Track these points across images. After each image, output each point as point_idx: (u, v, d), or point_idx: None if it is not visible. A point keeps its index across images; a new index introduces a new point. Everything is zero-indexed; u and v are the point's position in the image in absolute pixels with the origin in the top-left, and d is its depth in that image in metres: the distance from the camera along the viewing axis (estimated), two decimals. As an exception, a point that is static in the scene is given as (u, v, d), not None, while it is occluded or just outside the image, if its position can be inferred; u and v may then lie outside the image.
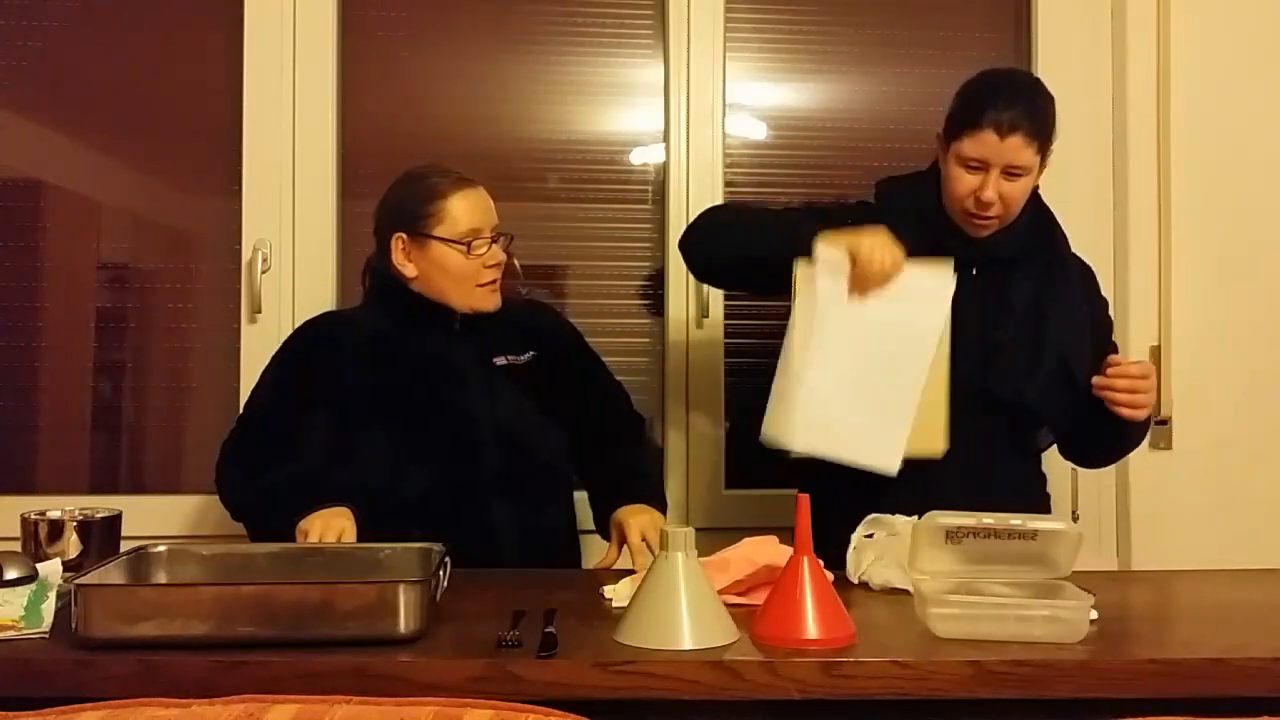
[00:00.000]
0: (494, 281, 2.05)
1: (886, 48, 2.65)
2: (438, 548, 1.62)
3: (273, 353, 2.10)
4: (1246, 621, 1.65)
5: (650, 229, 2.59)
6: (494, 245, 2.03)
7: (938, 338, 1.86)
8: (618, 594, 1.64)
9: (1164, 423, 2.50)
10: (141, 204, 2.57)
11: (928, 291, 1.87)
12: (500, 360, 2.07)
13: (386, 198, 2.09)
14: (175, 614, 1.40)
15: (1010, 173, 1.88)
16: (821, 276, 1.85)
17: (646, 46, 2.60)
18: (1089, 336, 1.99)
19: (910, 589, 1.62)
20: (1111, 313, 2.13)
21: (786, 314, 1.88)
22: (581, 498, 2.15)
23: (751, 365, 2.57)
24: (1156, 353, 2.52)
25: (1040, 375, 1.94)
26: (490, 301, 2.05)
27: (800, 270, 1.86)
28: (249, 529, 1.98)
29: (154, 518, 2.40)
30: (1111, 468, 2.38)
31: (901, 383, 1.86)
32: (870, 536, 1.78)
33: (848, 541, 1.77)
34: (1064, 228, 2.05)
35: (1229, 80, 2.54)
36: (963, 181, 1.89)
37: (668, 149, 2.56)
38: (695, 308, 2.52)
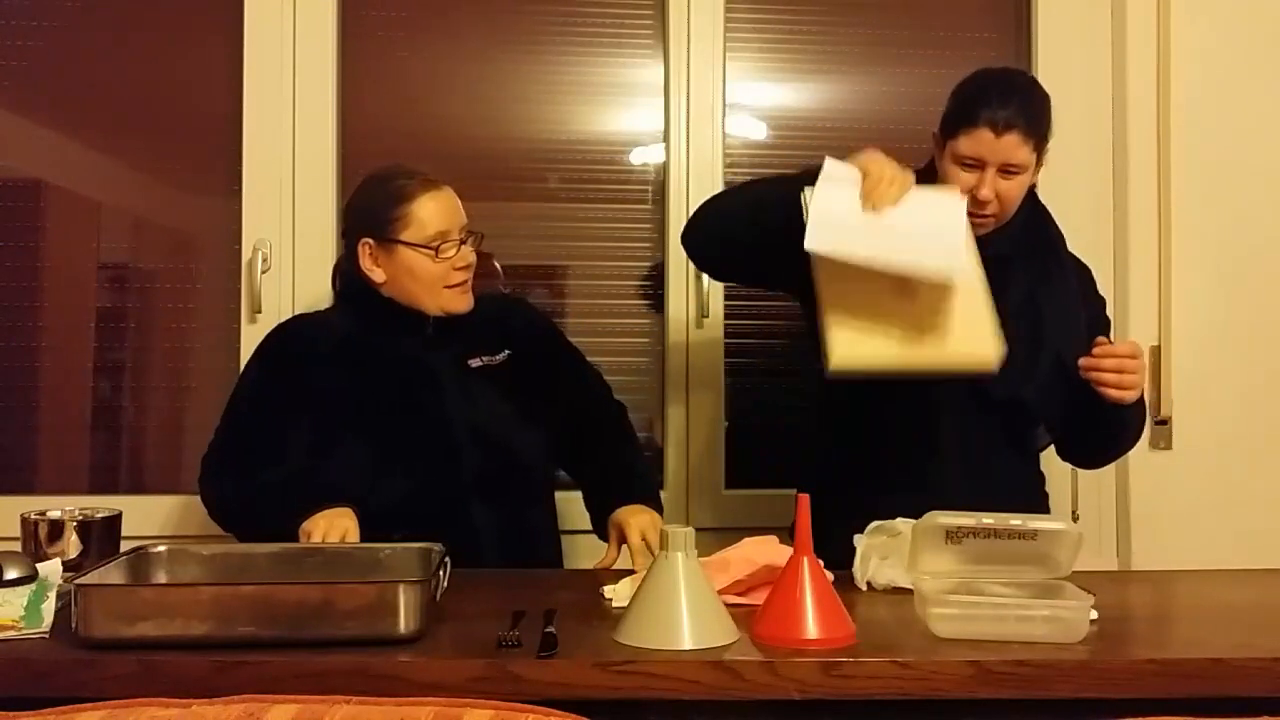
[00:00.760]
0: (464, 283, 2.02)
1: (886, 48, 2.65)
2: (437, 548, 1.62)
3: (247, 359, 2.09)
4: (1246, 621, 1.65)
5: (650, 229, 2.59)
6: (463, 247, 2.01)
7: (963, 242, 1.78)
8: (618, 594, 1.64)
9: (1164, 423, 2.50)
10: (141, 204, 2.57)
11: (942, 205, 1.81)
12: (475, 362, 2.05)
13: (352, 201, 2.08)
14: (175, 614, 1.40)
15: (1006, 171, 1.88)
16: (832, 191, 1.77)
17: (646, 46, 2.60)
18: (1086, 335, 1.98)
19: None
20: (1110, 311, 2.13)
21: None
22: (563, 498, 2.15)
23: (752, 365, 2.57)
24: (1156, 353, 2.52)
25: (1037, 374, 1.93)
26: (462, 303, 2.03)
27: (809, 192, 1.79)
28: (241, 534, 1.96)
29: (154, 518, 2.41)
30: (1111, 467, 2.38)
31: (941, 250, 1.74)
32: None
33: (848, 541, 1.77)
34: (1063, 227, 2.05)
35: (1229, 80, 2.54)
36: (959, 180, 1.89)
37: (668, 149, 2.56)
38: (695, 307, 2.52)
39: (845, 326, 1.74)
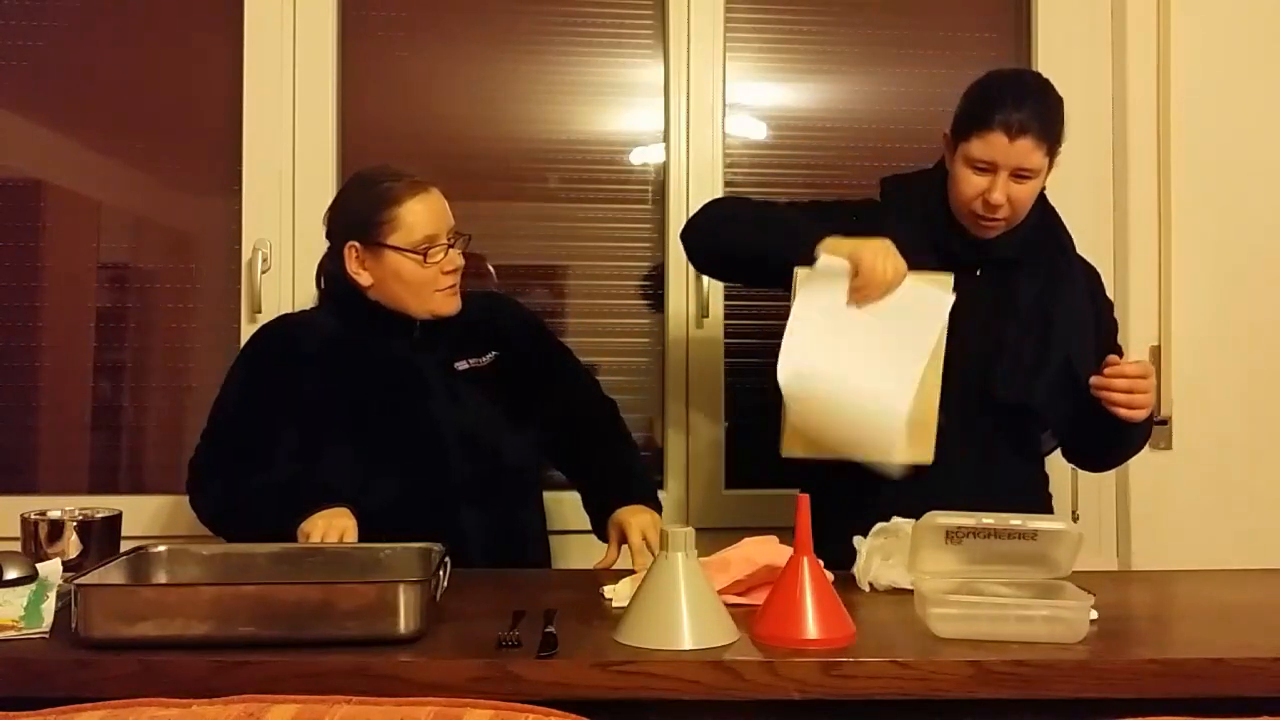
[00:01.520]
0: (452, 286, 2.01)
1: (886, 48, 2.65)
2: (437, 548, 1.62)
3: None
4: (1246, 621, 1.65)
5: (650, 229, 2.59)
6: (451, 250, 1.99)
7: (932, 349, 1.84)
8: (618, 594, 1.64)
9: (1164, 423, 2.50)
10: (141, 204, 2.57)
11: (927, 304, 1.85)
12: (462, 365, 2.04)
13: (338, 203, 2.06)
14: (175, 614, 1.40)
15: (1019, 175, 1.87)
16: (822, 282, 1.84)
17: (646, 46, 2.60)
18: (1094, 338, 1.98)
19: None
20: (1116, 314, 2.13)
21: (787, 314, 1.88)
22: (552, 498, 2.16)
23: (752, 365, 2.57)
24: (1156, 353, 2.52)
25: (1044, 377, 1.93)
26: (449, 306, 2.01)
27: (800, 276, 1.85)
28: (232, 538, 1.95)
29: (154, 518, 2.41)
30: (1111, 467, 2.38)
31: (894, 389, 1.84)
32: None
33: (848, 541, 1.77)
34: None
35: (1229, 80, 2.54)
36: (971, 183, 1.89)
37: (668, 149, 2.56)
38: (695, 307, 2.52)
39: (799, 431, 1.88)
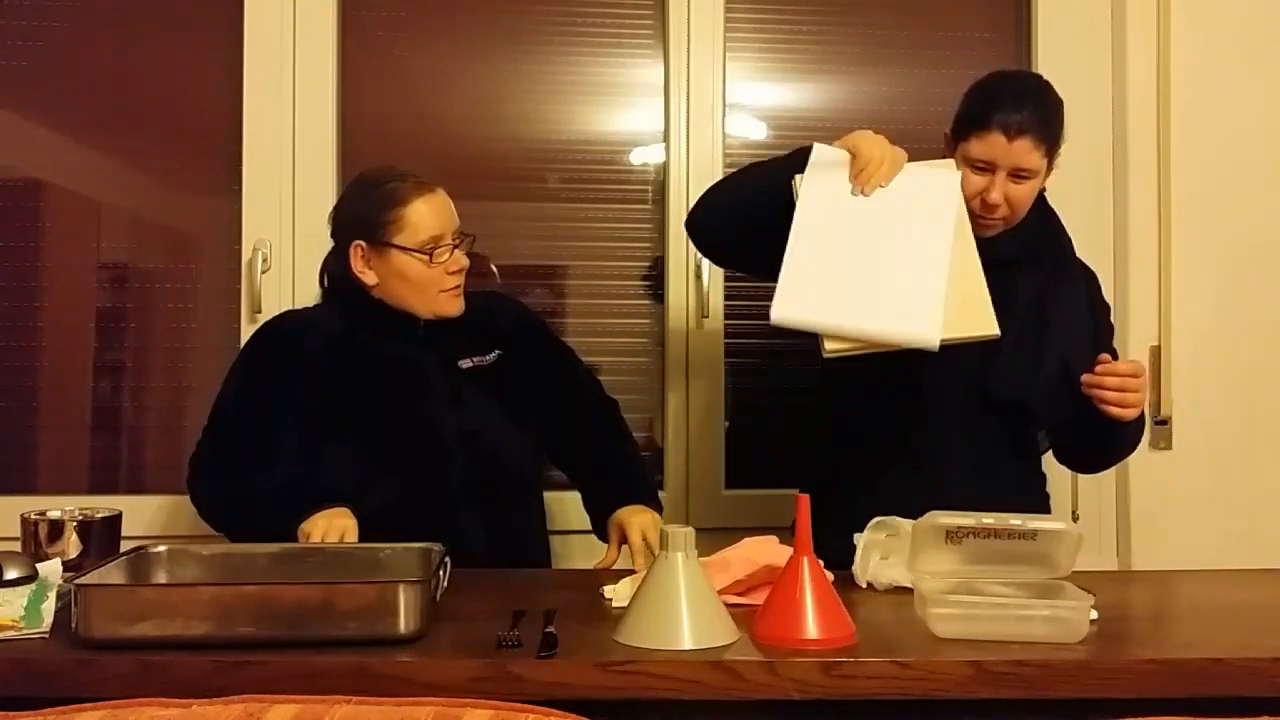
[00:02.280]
0: (457, 287, 2.01)
1: (886, 48, 2.65)
2: (437, 548, 1.62)
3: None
4: (1246, 621, 1.65)
5: (650, 229, 2.59)
6: (456, 250, 2.00)
7: (953, 221, 1.79)
8: (618, 594, 1.64)
9: (1164, 423, 2.50)
10: (141, 204, 2.57)
11: (935, 185, 1.82)
12: (465, 363, 2.04)
13: (343, 202, 2.07)
14: (175, 614, 1.40)
15: (1017, 175, 1.87)
16: (822, 176, 1.79)
17: (646, 46, 2.60)
18: (1091, 340, 1.99)
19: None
20: (1113, 317, 2.13)
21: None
22: (552, 498, 2.16)
23: (752, 365, 2.57)
24: (1156, 353, 2.52)
25: (1041, 378, 1.93)
26: (454, 306, 2.01)
27: (800, 180, 1.81)
28: (232, 534, 1.96)
29: (154, 518, 2.41)
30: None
31: (923, 265, 1.76)
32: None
33: (848, 542, 1.77)
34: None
35: (1229, 80, 2.54)
36: (969, 182, 1.89)
37: (668, 149, 2.56)
38: (695, 307, 2.52)
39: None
